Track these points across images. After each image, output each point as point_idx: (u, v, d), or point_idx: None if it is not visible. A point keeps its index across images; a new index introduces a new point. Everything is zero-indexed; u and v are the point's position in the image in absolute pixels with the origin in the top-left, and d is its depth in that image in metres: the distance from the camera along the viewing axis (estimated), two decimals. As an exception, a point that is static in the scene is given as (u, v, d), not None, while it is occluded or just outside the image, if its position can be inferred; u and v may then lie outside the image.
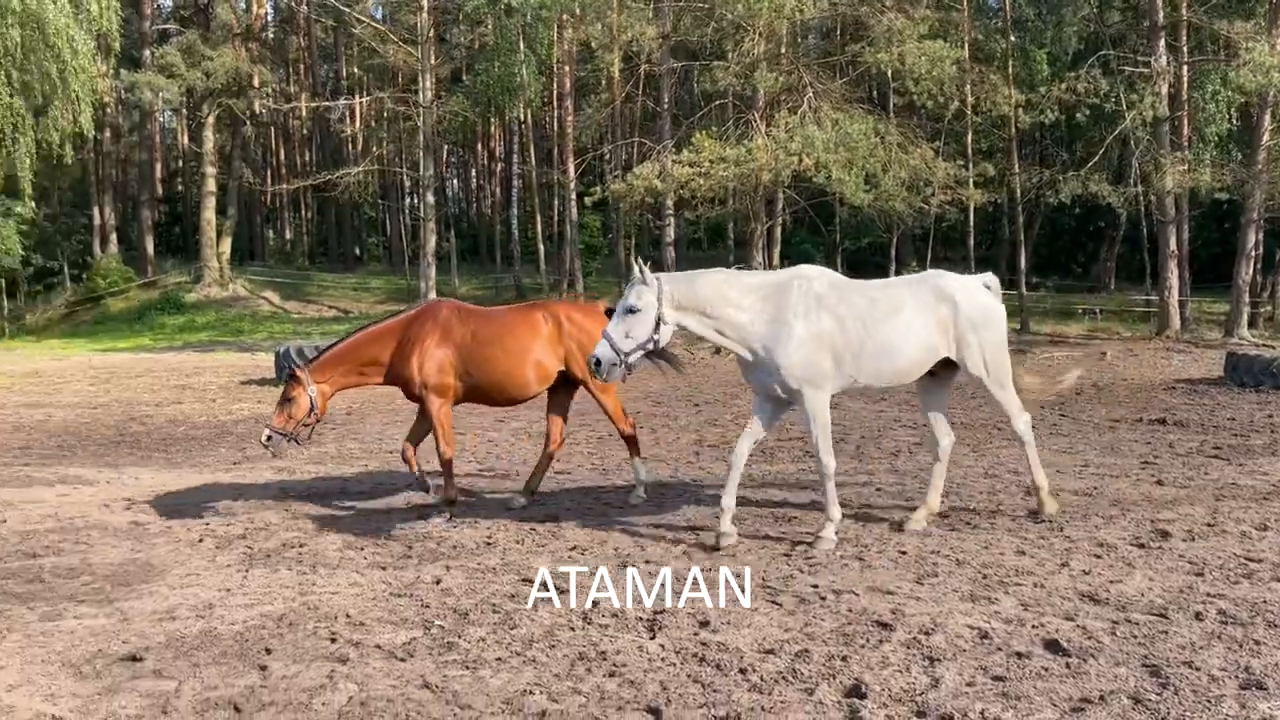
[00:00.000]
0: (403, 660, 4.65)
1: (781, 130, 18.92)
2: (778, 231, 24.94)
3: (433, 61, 24.01)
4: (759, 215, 21.33)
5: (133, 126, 45.53)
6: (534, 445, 10.99)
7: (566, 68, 27.14)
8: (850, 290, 6.59)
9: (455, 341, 7.66)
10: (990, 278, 7.21)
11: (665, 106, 22.66)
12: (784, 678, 4.29)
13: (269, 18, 43.48)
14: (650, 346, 6.19)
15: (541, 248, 30.12)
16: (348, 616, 5.31)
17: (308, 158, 58.66)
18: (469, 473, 9.61)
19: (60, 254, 41.26)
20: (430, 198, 23.48)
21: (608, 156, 34.64)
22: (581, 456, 10.32)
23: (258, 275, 40.89)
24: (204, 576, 6.27)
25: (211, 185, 37.69)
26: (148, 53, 38.73)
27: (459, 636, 4.92)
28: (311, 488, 9.12)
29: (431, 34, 26.47)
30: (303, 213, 58.51)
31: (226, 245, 39.24)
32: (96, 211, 42.80)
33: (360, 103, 29.43)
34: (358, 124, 49.05)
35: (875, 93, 31.54)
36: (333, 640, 4.94)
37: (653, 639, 4.82)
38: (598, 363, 6.10)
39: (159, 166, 50.63)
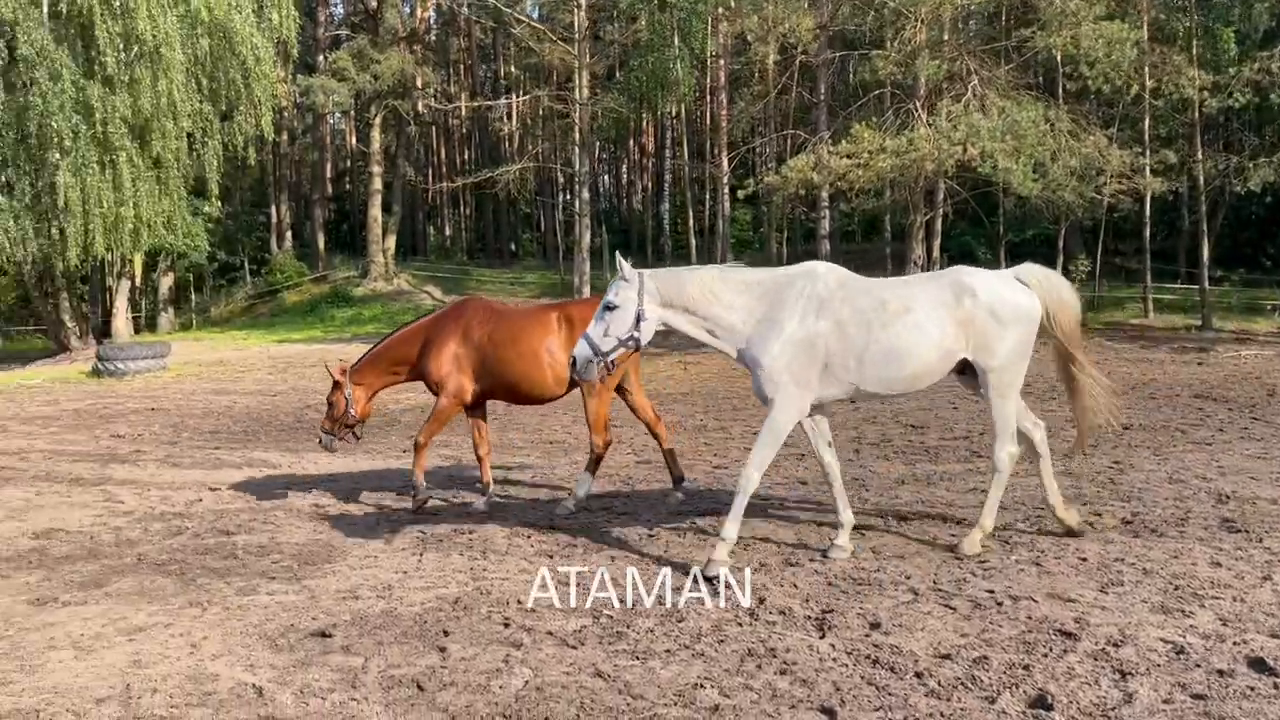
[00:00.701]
0: (574, 648, 4.73)
1: (944, 119, 18.32)
2: (938, 223, 24.18)
3: (588, 59, 24.35)
4: (918, 207, 20.73)
5: (305, 129, 48.02)
6: (689, 439, 11.02)
7: (721, 61, 27.02)
8: (858, 290, 6.07)
9: (474, 341, 7.83)
10: (1029, 270, 6.39)
11: (821, 97, 22.29)
12: (963, 684, 4.15)
13: (432, 21, 44.91)
14: (631, 345, 5.89)
15: (693, 241, 30.14)
16: (519, 602, 5.45)
17: (467, 156, 60.58)
18: (624, 464, 9.71)
19: (241, 250, 43.92)
20: (585, 194, 23.87)
21: (760, 149, 34.37)
22: (739, 451, 10.27)
23: (420, 270, 42.43)
24: (381, 559, 6.55)
25: (378, 184, 39.33)
26: (321, 58, 40.74)
27: (627, 627, 4.97)
28: (479, 475, 9.39)
29: (587, 31, 26.82)
30: (461, 210, 60.44)
31: (391, 241, 40.88)
32: (274, 210, 45.36)
33: (518, 101, 30.16)
34: (514, 122, 50.27)
35: (1042, 78, 30.22)
36: (506, 625, 5.08)
37: (822, 638, 4.74)
38: (574, 361, 5.87)
39: (329, 167, 53.25)
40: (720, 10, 23.96)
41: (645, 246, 45.96)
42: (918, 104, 19.72)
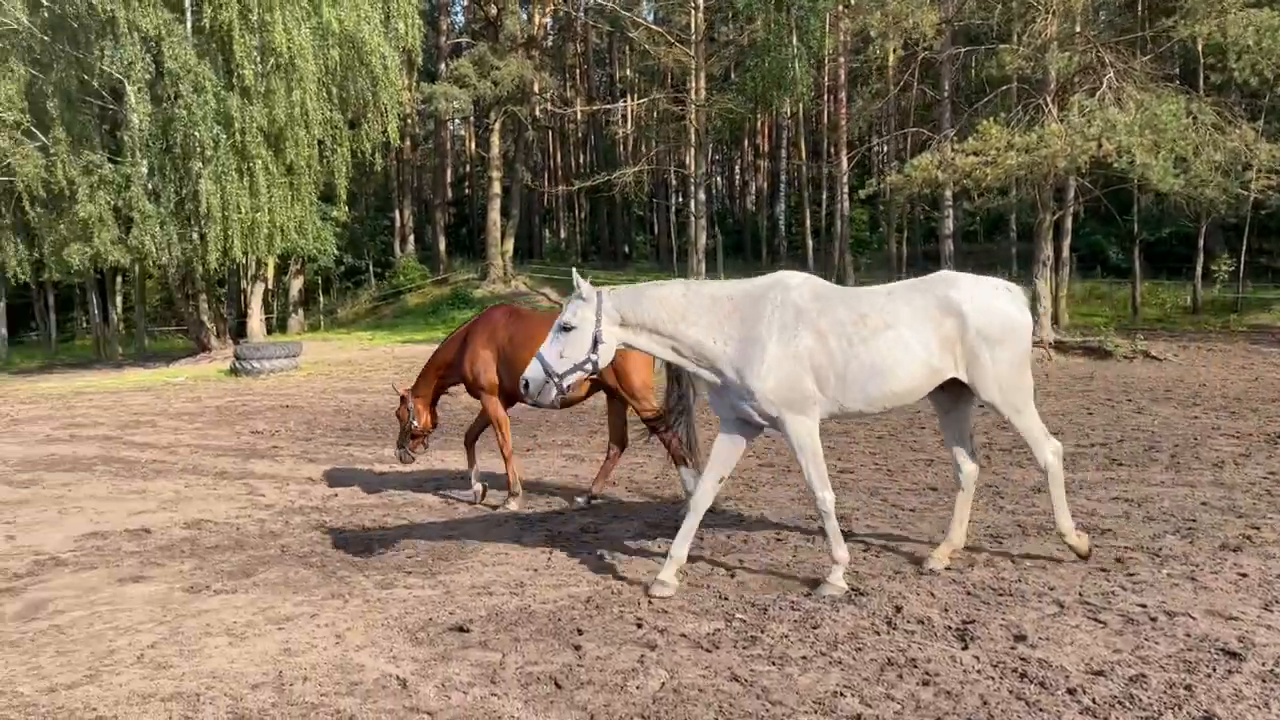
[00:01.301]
0: (709, 651, 4.70)
1: (1076, 114, 17.63)
2: (1068, 222, 23.29)
3: (704, 60, 24.32)
4: (1047, 205, 19.99)
5: (426, 135, 49.31)
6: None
7: (842, 59, 26.64)
8: (836, 301, 5.70)
9: (498, 343, 8.19)
10: (1007, 285, 6.03)
11: (945, 94, 21.73)
12: (1120, 703, 3.96)
13: (549, 27, 45.58)
14: (588, 368, 5.53)
15: (810, 242, 29.78)
16: (649, 603, 5.45)
17: (581, 159, 61.34)
18: (747, 467, 9.63)
19: (365, 254, 45.39)
20: (701, 195, 23.82)
21: (877, 148, 33.74)
22: (864, 455, 10.08)
23: (537, 272, 43.09)
24: (513, 555, 6.65)
25: (497, 188, 40.10)
26: (442, 66, 41.77)
27: (761, 631, 4.92)
28: (614, 475, 9.44)
29: (704, 33, 26.79)
30: (576, 212, 61.21)
31: (509, 244, 41.63)
32: (397, 215, 46.73)
33: (634, 104, 30.26)
34: (629, 125, 50.62)
35: (1180, 69, 28.84)
36: (639, 625, 5.08)
37: (965, 650, 4.60)
38: (527, 384, 5.52)
39: (449, 172, 54.57)
40: (841, 7, 23.57)
41: (759, 248, 45.73)
42: (1048, 98, 19.01)
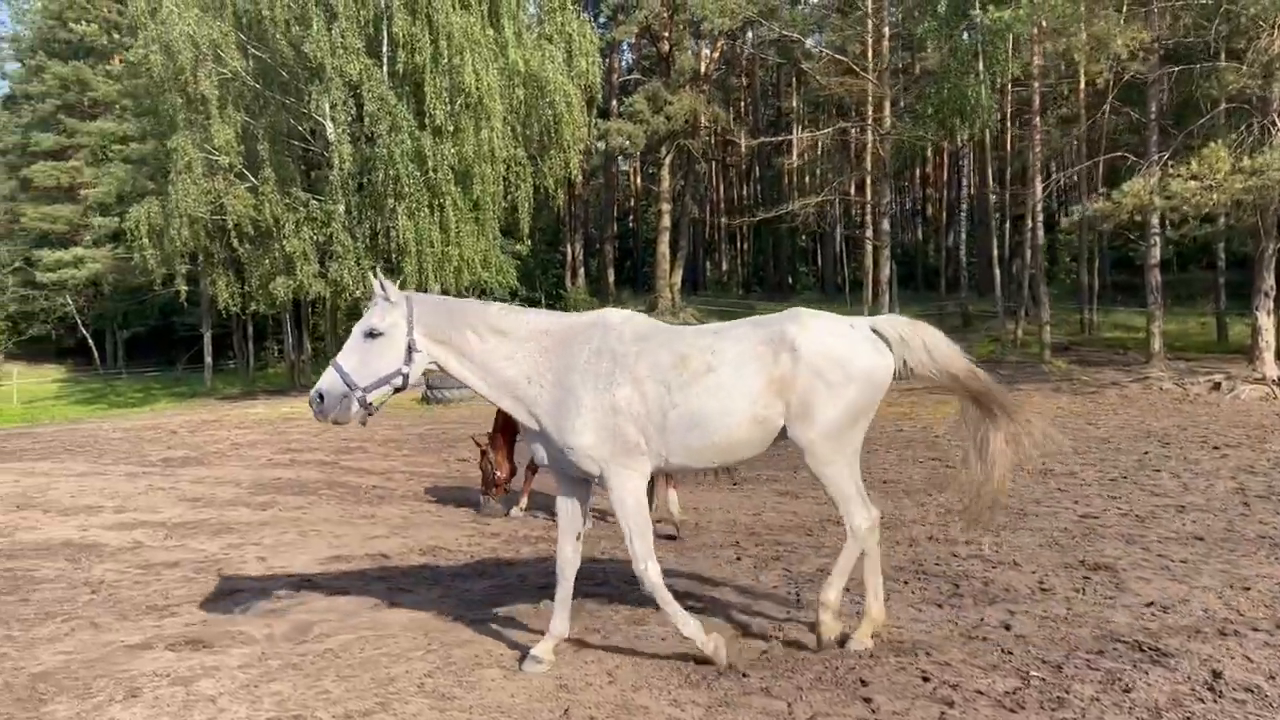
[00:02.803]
0: (1013, 711, 4.38)
1: (1309, 134, 16.35)
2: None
3: (889, 88, 23.87)
4: (1270, 232, 18.56)
5: (594, 170, 50.36)
6: (1037, 484, 10.27)
7: (1035, 84, 25.67)
8: (658, 343, 5.03)
9: None
10: (890, 322, 5.27)
11: (1152, 117, 20.54)
12: None
13: (718, 60, 45.89)
14: (398, 382, 4.90)
15: (997, 272, 28.71)
16: (928, 654, 5.15)
17: (744, 191, 61.40)
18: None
19: (538, 286, 46.52)
20: (885, 225, 23.31)
21: (1061, 175, 32.28)
22: (1104, 500, 9.43)
23: (703, 305, 43.14)
24: (758, 593, 6.45)
25: (666, 221, 40.50)
26: (613, 102, 42.58)
27: (1065, 692, 4.55)
28: (821, 513, 9.16)
29: (889, 61, 26.35)
30: (737, 244, 61.18)
31: (678, 277, 41.91)
32: (568, 248, 47.77)
33: (807, 135, 29.99)
34: (794, 156, 50.34)
35: None
36: (925, 679, 4.79)
37: (1315, 726, 4.12)
38: (320, 397, 4.81)
39: (614, 206, 55.58)
40: (1036, 30, 22.71)
41: (929, 278, 44.49)
42: (1276, 118, 17.70)
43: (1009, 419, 5.22)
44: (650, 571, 4.98)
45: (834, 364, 4.92)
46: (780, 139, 38.63)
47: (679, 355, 4.95)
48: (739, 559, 7.48)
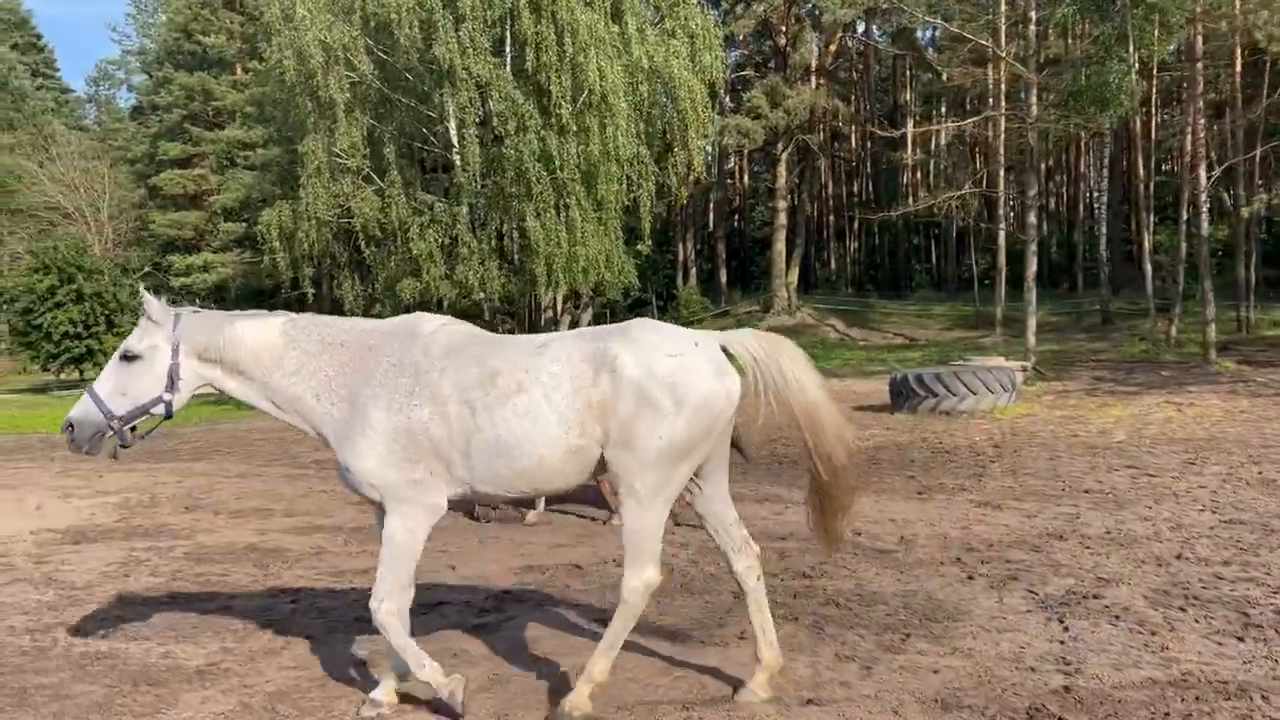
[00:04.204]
0: None
1: None
2: None
3: (1035, 74, 22.70)
4: None
5: (706, 168, 49.85)
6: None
7: (1200, 64, 24.14)
8: (470, 357, 4.44)
9: None
10: (742, 337, 4.53)
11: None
12: None
13: (835, 53, 44.87)
14: (159, 410, 4.46)
15: (1148, 268, 27.18)
16: (1264, 698, 4.47)
17: (855, 188, 60.14)
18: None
19: (649, 286, 46.19)
20: (1032, 218, 22.19)
21: (1218, 165, 30.47)
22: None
23: (820, 304, 42.24)
24: (1012, 620, 5.84)
25: (782, 219, 39.71)
26: (726, 98, 41.90)
27: None
28: (1040, 527, 8.44)
29: (1036, 47, 25.10)
30: (846, 241, 59.89)
31: (794, 275, 41.08)
32: (679, 247, 47.35)
33: (955, 124, 28.82)
34: (910, 150, 49.00)
35: None
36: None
37: None
38: (70, 427, 4.40)
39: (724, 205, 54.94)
40: (1198, 9, 21.34)
41: (1055, 275, 42.68)
42: None
43: (837, 496, 4.64)
44: (384, 609, 4.48)
45: (663, 388, 4.23)
46: (923, 128, 36.74)
47: (490, 372, 4.37)
48: (970, 578, 6.85)
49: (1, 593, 7.41)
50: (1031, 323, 22.14)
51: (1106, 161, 32.07)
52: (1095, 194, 37.20)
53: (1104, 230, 31.29)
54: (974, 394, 16.98)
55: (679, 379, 4.25)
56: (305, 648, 5.78)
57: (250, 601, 6.90)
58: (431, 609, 6.50)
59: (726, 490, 4.75)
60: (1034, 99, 22.60)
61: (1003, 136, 29.33)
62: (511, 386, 4.34)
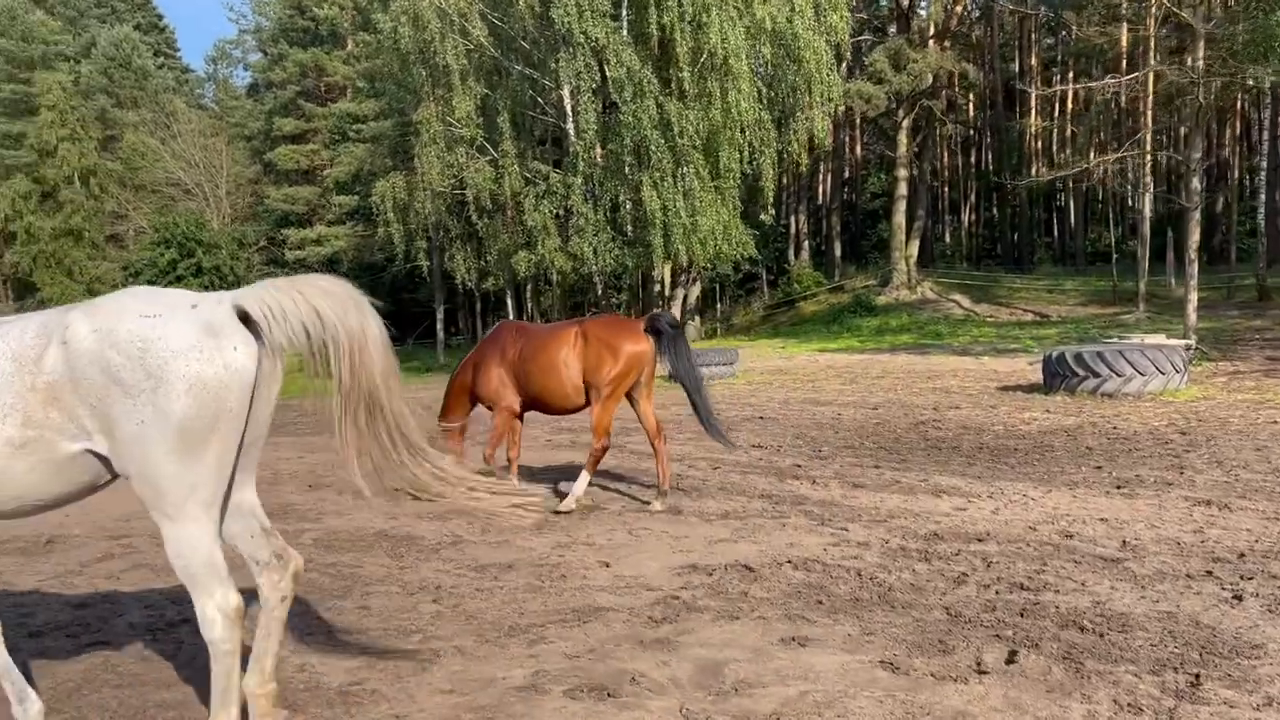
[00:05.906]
0: None
1: None
2: None
3: (1201, 25, 20.63)
4: None
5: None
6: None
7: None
8: None
9: (509, 359, 8.77)
10: (261, 293, 3.54)
11: None
12: None
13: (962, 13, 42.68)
14: None
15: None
16: None
17: (973, 157, 57.50)
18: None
19: (760, 260, 44.91)
20: (1195, 183, 20.23)
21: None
22: None
23: (943, 278, 40.35)
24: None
25: (903, 189, 37.89)
26: (843, 64, 40.21)
27: None
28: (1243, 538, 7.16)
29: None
30: (963, 214, 57.39)
31: (914, 248, 39.29)
32: (792, 220, 45.86)
33: (1115, 80, 26.71)
34: (1033, 116, 46.41)
35: None
36: None
37: None
38: None
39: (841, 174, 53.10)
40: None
41: (1184, 250, 39.85)
42: None
43: (397, 449, 3.86)
44: None
45: (128, 358, 3.33)
46: (1094, 85, 33.93)
47: None
48: (1237, 598, 5.66)
49: (123, 580, 6.86)
50: (1193, 298, 20.30)
51: (1265, 123, 29.44)
52: (1255, 159, 34.33)
53: (1262, 198, 28.78)
54: (1142, 375, 15.45)
55: (149, 347, 3.36)
56: (457, 663, 4.97)
57: (389, 601, 6.16)
58: (593, 616, 5.65)
59: (253, 487, 3.87)
60: (1200, 52, 20.59)
61: (1150, 96, 27.13)
62: None
